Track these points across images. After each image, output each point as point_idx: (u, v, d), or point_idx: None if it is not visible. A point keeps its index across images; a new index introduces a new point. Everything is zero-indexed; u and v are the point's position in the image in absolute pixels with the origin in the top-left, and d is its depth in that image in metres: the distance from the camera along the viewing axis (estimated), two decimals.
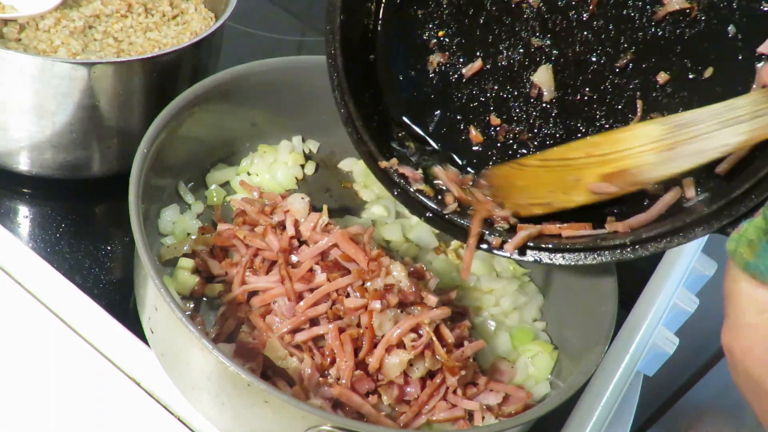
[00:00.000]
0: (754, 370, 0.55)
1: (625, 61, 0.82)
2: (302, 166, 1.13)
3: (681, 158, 0.75)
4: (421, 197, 0.90)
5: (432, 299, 0.88)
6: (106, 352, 0.89)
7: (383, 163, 0.90)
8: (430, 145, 0.93)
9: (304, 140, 1.14)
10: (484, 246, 0.87)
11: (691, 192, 0.80)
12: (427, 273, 0.96)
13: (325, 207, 0.98)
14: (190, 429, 0.86)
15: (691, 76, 0.80)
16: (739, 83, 0.76)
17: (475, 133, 0.89)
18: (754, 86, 0.75)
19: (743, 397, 0.58)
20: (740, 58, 0.77)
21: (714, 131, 0.73)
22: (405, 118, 0.93)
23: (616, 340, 0.88)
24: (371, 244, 0.93)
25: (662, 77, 0.81)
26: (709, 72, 0.79)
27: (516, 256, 0.86)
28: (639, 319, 0.93)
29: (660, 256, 1.08)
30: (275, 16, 1.56)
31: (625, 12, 0.81)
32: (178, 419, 0.86)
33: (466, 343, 0.89)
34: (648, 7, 0.80)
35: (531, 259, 0.85)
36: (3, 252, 0.95)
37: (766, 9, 0.75)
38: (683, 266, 1.05)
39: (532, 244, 0.86)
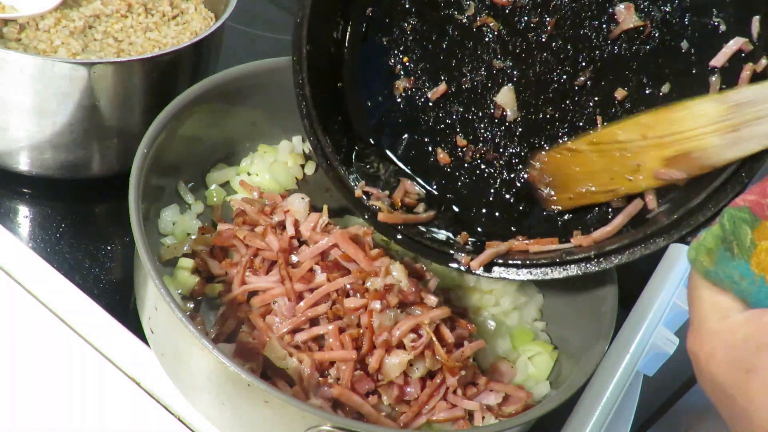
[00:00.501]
0: (718, 375, 0.55)
1: (583, 78, 0.84)
2: (302, 166, 1.12)
3: (749, 140, 0.73)
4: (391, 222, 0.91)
5: (432, 299, 0.87)
6: (106, 352, 0.89)
7: (357, 192, 0.92)
8: (399, 167, 0.94)
9: (304, 140, 1.14)
10: (454, 265, 0.89)
11: (652, 203, 0.82)
12: (427, 273, 0.96)
13: (325, 207, 0.98)
14: (190, 429, 0.86)
15: (648, 92, 0.82)
16: (695, 97, 0.78)
17: (442, 155, 0.92)
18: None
19: (711, 402, 0.59)
20: (694, 72, 0.79)
21: None
22: (372, 143, 0.95)
23: (616, 340, 0.88)
24: (371, 244, 0.93)
25: (620, 93, 0.83)
26: (666, 87, 0.81)
27: (483, 273, 0.88)
28: (639, 319, 0.92)
29: (660, 257, 1.08)
30: (275, 16, 1.56)
31: (581, 32, 0.84)
32: (178, 419, 0.86)
33: (466, 343, 0.89)
34: (603, 26, 0.82)
35: (497, 276, 0.87)
36: (3, 252, 0.95)
37: (715, 23, 0.77)
38: (683, 266, 1.04)
39: (500, 261, 0.87)
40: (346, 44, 0.93)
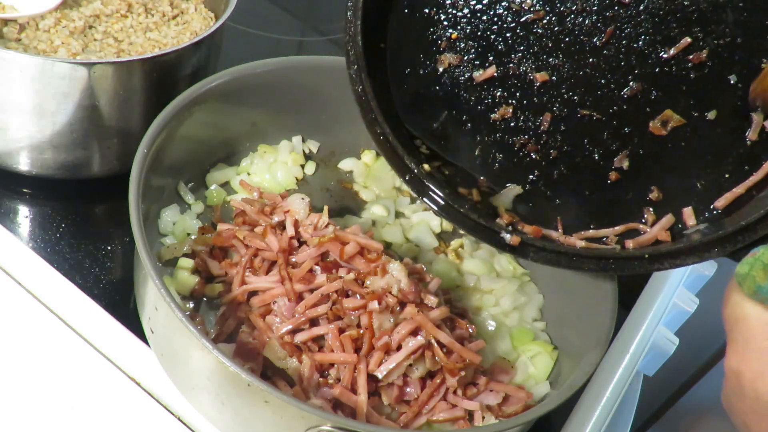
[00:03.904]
0: (767, 394, 0.55)
1: (633, 90, 0.85)
2: (302, 166, 1.13)
3: None
4: (433, 186, 0.88)
5: (432, 300, 0.87)
6: (106, 352, 0.89)
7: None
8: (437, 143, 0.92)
9: (304, 140, 1.14)
10: (502, 238, 0.87)
11: (691, 220, 0.83)
12: (427, 275, 0.96)
13: (325, 207, 0.98)
14: (190, 429, 0.86)
15: (695, 114, 0.83)
16: (738, 128, 0.81)
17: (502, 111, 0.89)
18: (748, 133, 0.81)
19: (741, 423, 0.59)
20: (739, 104, 0.81)
21: None
22: (412, 118, 0.92)
23: (616, 340, 0.88)
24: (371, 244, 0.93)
25: (668, 112, 0.84)
26: (712, 114, 0.82)
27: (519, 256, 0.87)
28: (639, 319, 0.93)
29: None
30: (275, 16, 1.56)
31: (636, 45, 0.84)
32: (178, 419, 0.86)
33: (465, 343, 0.89)
34: (658, 46, 0.84)
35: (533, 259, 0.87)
36: (3, 252, 0.95)
37: (764, 65, 0.80)
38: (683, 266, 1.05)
39: (537, 244, 0.86)
40: (396, 5, 0.90)
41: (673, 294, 0.98)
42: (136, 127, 0.96)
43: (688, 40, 0.83)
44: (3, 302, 0.92)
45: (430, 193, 0.89)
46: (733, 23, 0.82)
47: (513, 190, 0.90)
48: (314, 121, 1.12)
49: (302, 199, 0.98)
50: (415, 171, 0.88)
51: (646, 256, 0.83)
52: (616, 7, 0.85)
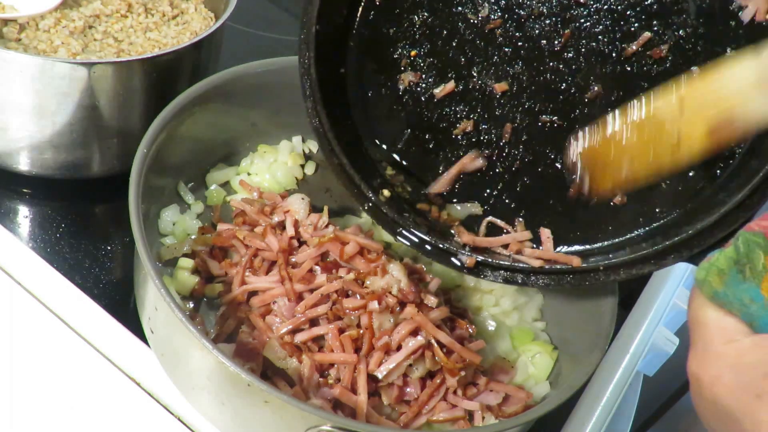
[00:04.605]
0: (723, 398, 0.55)
1: (594, 92, 0.84)
2: (302, 166, 1.12)
3: None
4: (392, 214, 0.89)
5: (432, 300, 0.87)
6: (106, 352, 0.89)
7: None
8: (400, 162, 0.93)
9: (304, 140, 1.14)
10: (455, 262, 0.89)
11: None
12: (427, 276, 0.96)
13: (325, 208, 0.98)
14: (190, 429, 0.86)
15: None
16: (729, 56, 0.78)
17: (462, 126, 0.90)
18: None
19: (706, 426, 0.59)
20: None
21: None
22: (373, 139, 0.93)
23: (616, 340, 0.88)
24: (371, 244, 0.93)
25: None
26: None
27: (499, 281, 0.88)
28: (639, 319, 0.93)
29: None
30: (275, 16, 1.56)
31: (595, 45, 0.84)
32: (178, 419, 0.86)
33: (465, 343, 0.89)
34: (617, 43, 0.83)
35: (500, 279, 0.88)
36: (3, 252, 0.95)
37: (729, 54, 0.78)
38: (683, 266, 1.04)
39: (507, 264, 0.87)
40: (354, 29, 0.92)
41: (673, 294, 0.98)
42: (136, 127, 0.96)
43: (648, 34, 0.81)
44: (3, 302, 0.92)
45: (390, 219, 0.89)
46: (696, 12, 0.80)
47: (472, 208, 0.90)
48: None
49: (302, 199, 0.98)
50: (373, 200, 0.89)
51: (601, 267, 0.84)
52: (574, 8, 0.84)
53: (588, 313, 0.93)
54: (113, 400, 0.87)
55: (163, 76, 0.96)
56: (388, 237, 1.06)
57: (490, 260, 0.87)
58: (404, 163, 0.93)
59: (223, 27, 1.02)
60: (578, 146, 0.83)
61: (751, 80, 0.70)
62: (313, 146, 1.15)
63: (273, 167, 1.09)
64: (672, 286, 1.00)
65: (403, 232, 0.90)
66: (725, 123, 0.72)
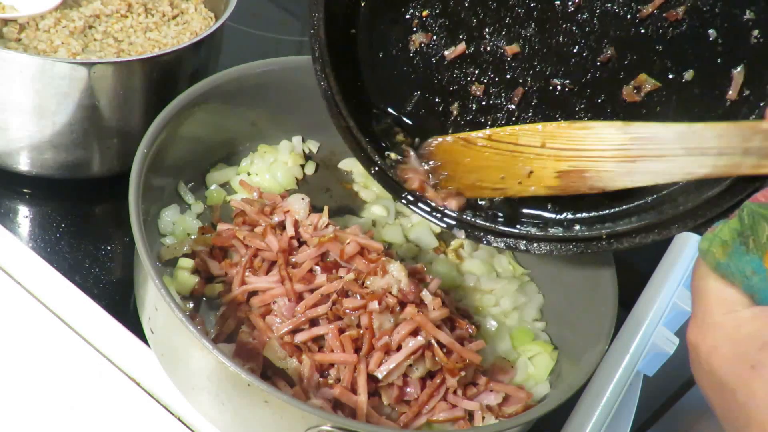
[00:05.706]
0: (719, 368, 0.55)
1: (607, 55, 0.82)
2: (302, 166, 1.12)
3: (642, 174, 0.76)
4: (397, 178, 0.90)
5: (432, 300, 0.87)
6: (106, 352, 0.89)
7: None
8: (407, 124, 0.93)
9: (304, 140, 1.14)
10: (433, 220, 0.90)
11: None
12: (427, 276, 0.96)
13: (325, 208, 0.98)
14: (190, 429, 0.86)
15: (671, 77, 0.81)
16: (716, 87, 0.78)
17: (456, 107, 0.89)
18: (729, 92, 0.77)
19: (704, 395, 0.59)
20: (719, 62, 0.78)
21: (678, 156, 0.74)
22: (382, 101, 0.93)
23: (616, 340, 0.88)
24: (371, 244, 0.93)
25: (642, 77, 0.82)
26: (689, 74, 0.79)
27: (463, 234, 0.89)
28: (639, 319, 0.92)
29: (660, 256, 1.08)
30: (275, 16, 1.56)
31: (610, 7, 0.82)
32: (178, 419, 0.86)
33: (465, 343, 0.89)
34: (633, 4, 0.81)
35: (502, 245, 0.88)
36: (3, 252, 0.95)
37: (746, 17, 0.76)
38: (683, 266, 1.04)
39: (505, 229, 0.87)
40: None
41: (673, 294, 0.98)
42: (136, 127, 0.96)
43: None
44: (3, 302, 0.92)
45: (396, 183, 0.90)
46: None
47: None
48: (314, 121, 1.11)
49: (302, 199, 0.98)
50: (379, 163, 0.88)
51: (605, 236, 0.83)
52: None
53: (588, 313, 0.93)
54: (113, 400, 0.87)
55: (163, 76, 0.96)
56: (388, 237, 1.06)
57: (488, 224, 0.88)
58: (412, 124, 0.92)
59: (223, 27, 1.02)
60: (444, 139, 0.86)
61: (611, 149, 0.77)
62: (313, 146, 1.15)
63: (273, 167, 1.09)
64: (672, 286, 1.00)
65: (408, 196, 0.89)
66: (576, 173, 0.78)
